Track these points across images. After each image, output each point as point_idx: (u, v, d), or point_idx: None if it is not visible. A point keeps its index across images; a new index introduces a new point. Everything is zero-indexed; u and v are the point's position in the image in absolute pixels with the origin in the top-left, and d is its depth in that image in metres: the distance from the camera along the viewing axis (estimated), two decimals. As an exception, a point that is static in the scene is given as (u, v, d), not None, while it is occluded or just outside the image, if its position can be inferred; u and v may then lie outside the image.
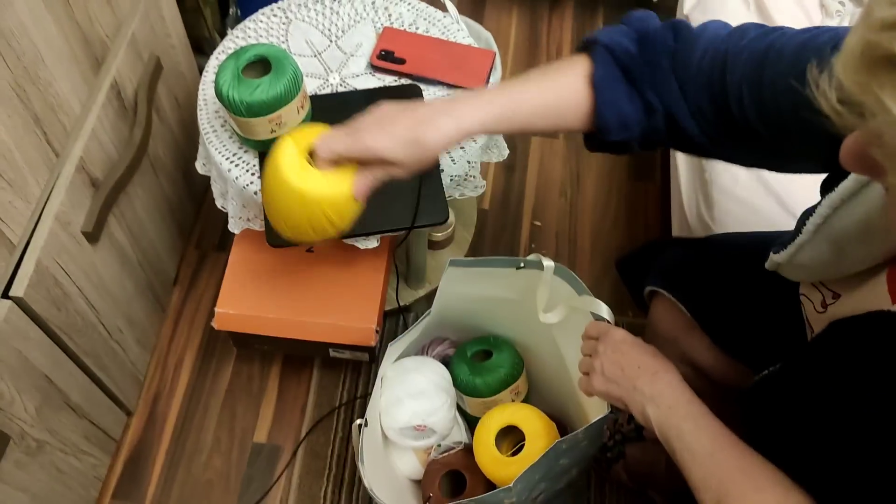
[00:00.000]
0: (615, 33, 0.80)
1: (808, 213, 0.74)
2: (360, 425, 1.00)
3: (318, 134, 0.82)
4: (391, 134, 0.79)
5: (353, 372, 1.47)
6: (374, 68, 1.21)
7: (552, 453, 0.93)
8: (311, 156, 0.82)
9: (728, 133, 0.76)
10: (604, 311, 0.98)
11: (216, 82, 1.02)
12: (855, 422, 0.65)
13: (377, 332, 1.21)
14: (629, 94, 0.79)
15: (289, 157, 0.80)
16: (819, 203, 0.72)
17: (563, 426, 1.19)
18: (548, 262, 1.06)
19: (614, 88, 0.79)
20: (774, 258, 0.80)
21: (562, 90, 0.80)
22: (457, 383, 1.22)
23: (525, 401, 1.26)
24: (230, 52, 1.06)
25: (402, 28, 1.26)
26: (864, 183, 0.66)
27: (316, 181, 0.80)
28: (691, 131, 0.77)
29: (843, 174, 0.68)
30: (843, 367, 0.68)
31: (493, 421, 1.12)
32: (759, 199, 1.22)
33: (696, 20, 1.43)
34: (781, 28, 0.73)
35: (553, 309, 1.10)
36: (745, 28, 0.75)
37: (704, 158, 0.82)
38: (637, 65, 0.78)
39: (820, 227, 0.72)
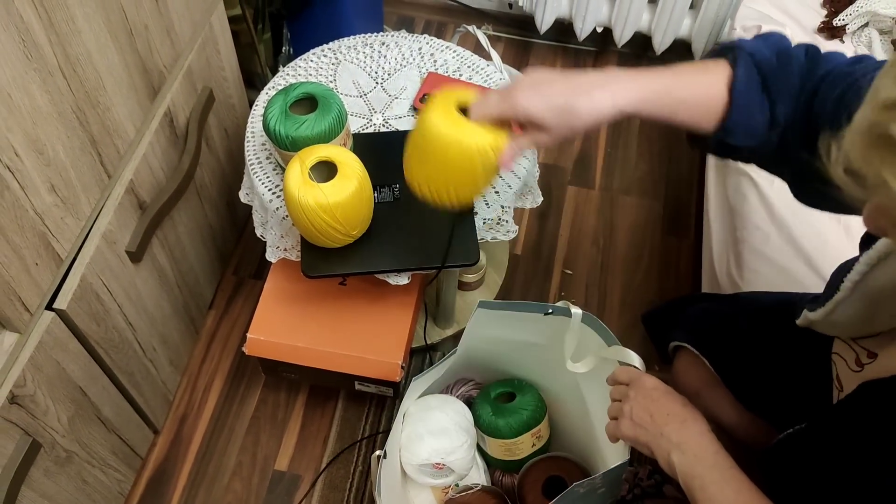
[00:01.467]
0: (756, 44, 0.79)
1: (844, 270, 0.74)
2: (379, 457, 1.02)
3: (468, 94, 0.84)
4: (546, 97, 0.78)
5: (377, 407, 1.48)
6: (417, 111, 1.25)
7: (569, 496, 0.94)
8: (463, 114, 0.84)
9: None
10: (635, 360, 0.97)
11: (264, 116, 1.07)
12: (880, 488, 0.64)
13: (403, 367, 1.23)
14: (761, 104, 0.77)
15: (444, 109, 0.82)
16: (856, 259, 0.72)
17: (584, 474, 1.19)
18: (576, 310, 1.07)
19: (751, 95, 0.77)
20: (809, 316, 0.80)
21: (706, 87, 0.79)
22: (479, 423, 1.23)
23: (546, 446, 1.26)
24: (280, 88, 1.11)
25: (446, 74, 1.29)
26: None
27: (472, 130, 0.81)
28: (796, 157, 0.76)
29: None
30: (872, 430, 0.68)
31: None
32: (788, 260, 1.22)
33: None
34: None
35: (582, 359, 1.11)
36: (859, 59, 0.74)
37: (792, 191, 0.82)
38: (776, 76, 0.76)
39: (857, 283, 0.72)
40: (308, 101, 1.09)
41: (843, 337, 0.80)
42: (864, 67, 0.72)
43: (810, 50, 0.77)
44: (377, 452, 1.02)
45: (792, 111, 0.75)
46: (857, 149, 0.46)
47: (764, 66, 0.76)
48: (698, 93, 0.79)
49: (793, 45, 0.78)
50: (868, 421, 0.69)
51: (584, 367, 1.09)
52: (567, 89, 0.78)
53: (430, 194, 0.88)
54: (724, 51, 0.81)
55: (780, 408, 0.93)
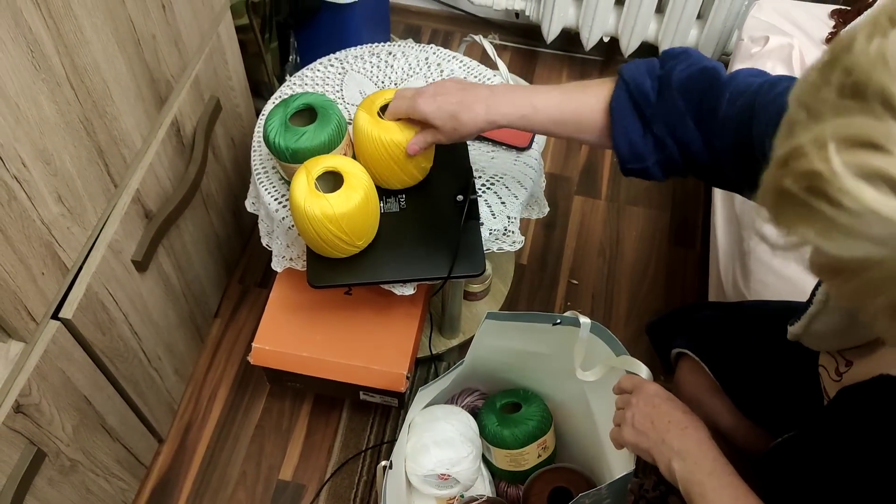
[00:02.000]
0: (640, 69, 0.87)
1: (818, 284, 0.76)
2: (384, 467, 1.02)
3: (390, 96, 1.04)
4: (439, 105, 0.95)
5: (382, 417, 1.48)
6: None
7: None
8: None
9: (747, 171, 0.79)
10: (643, 371, 0.98)
11: (264, 128, 1.07)
12: (864, 488, 0.65)
13: (408, 378, 1.23)
14: (641, 129, 0.86)
15: (367, 111, 1.04)
16: None
17: (590, 486, 1.18)
18: (584, 320, 1.07)
19: (626, 120, 0.86)
20: (791, 329, 0.82)
21: (583, 107, 0.90)
22: (484, 433, 1.22)
23: (552, 457, 1.26)
24: (286, 97, 1.11)
25: (452, 84, 1.30)
26: None
27: (385, 127, 1.02)
28: (704, 161, 0.83)
29: None
30: (853, 434, 0.69)
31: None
32: (795, 271, 1.21)
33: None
34: None
35: (592, 367, 1.10)
36: (776, 80, 0.77)
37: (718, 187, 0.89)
38: (649, 105, 0.84)
39: (828, 296, 0.73)
40: (308, 112, 1.10)
41: (829, 350, 0.81)
42: (766, 88, 0.76)
43: (707, 71, 0.83)
44: (383, 463, 1.02)
45: (685, 131, 0.82)
46: (767, 206, 0.48)
47: (637, 96, 0.85)
48: (577, 111, 0.90)
49: (690, 69, 0.84)
50: (850, 424, 0.71)
51: (594, 376, 1.09)
52: (457, 100, 0.94)
53: (374, 179, 1.06)
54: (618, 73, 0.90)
55: (776, 415, 0.94)
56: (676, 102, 0.83)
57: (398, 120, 1.02)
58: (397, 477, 1.14)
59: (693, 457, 0.79)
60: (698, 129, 0.81)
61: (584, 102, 0.90)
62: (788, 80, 0.76)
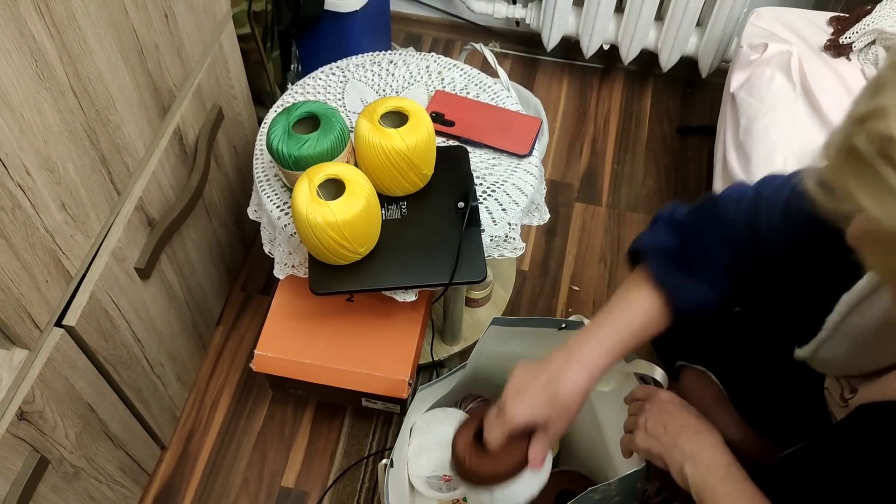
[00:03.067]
0: (654, 235, 0.87)
1: (822, 311, 0.76)
2: (385, 465, 1.02)
3: (390, 105, 1.08)
4: (531, 401, 0.84)
5: (384, 423, 1.48)
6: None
7: (584, 502, 0.94)
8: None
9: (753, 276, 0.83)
10: (658, 374, 0.98)
11: (267, 135, 1.08)
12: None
13: (410, 384, 1.23)
14: (694, 281, 0.84)
15: (369, 119, 1.06)
16: (838, 302, 0.74)
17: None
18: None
19: (677, 277, 0.84)
20: (798, 352, 0.81)
21: (644, 307, 0.85)
22: (488, 439, 1.22)
23: (557, 461, 1.26)
24: (288, 105, 1.12)
25: (453, 92, 1.30)
26: (879, 283, 0.67)
27: (385, 136, 1.04)
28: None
29: (859, 276, 0.70)
30: (868, 452, 0.69)
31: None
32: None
33: (742, 99, 1.46)
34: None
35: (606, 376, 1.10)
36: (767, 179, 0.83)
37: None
38: (687, 253, 0.84)
39: (839, 324, 0.73)
40: (311, 120, 1.10)
41: (836, 374, 0.81)
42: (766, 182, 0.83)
43: (706, 204, 0.87)
44: (384, 461, 1.03)
45: (732, 252, 0.83)
46: (828, 160, 0.48)
47: (672, 252, 0.84)
48: (644, 312, 0.85)
49: (688, 210, 0.87)
50: (865, 442, 0.70)
51: (608, 386, 1.09)
52: (545, 382, 0.84)
53: (376, 186, 1.06)
54: (634, 258, 0.89)
55: (782, 426, 0.94)
56: (704, 236, 0.84)
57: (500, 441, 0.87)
58: (400, 480, 1.14)
59: (706, 461, 0.79)
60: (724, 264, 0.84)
61: (640, 300, 0.86)
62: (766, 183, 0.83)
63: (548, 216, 1.28)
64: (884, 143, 0.43)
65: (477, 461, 0.87)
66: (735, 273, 0.83)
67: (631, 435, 0.91)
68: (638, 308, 0.85)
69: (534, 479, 0.90)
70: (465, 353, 1.49)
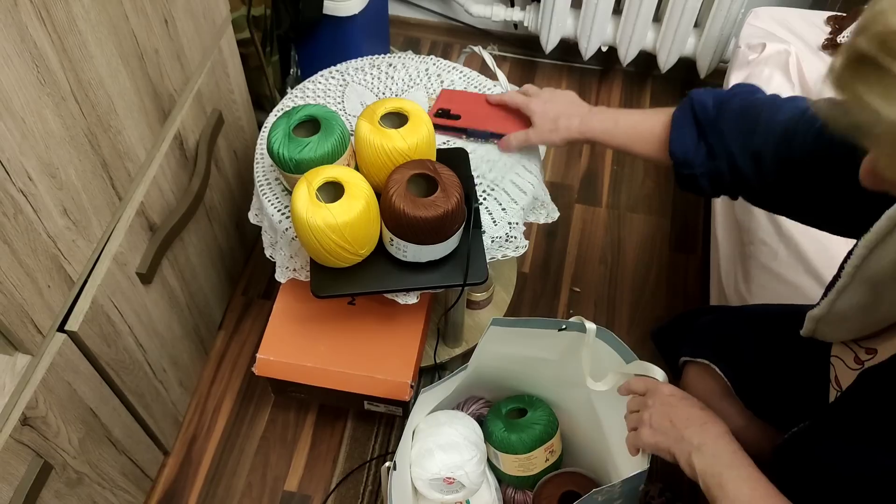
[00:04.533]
0: (707, 92, 0.97)
1: (846, 260, 0.75)
2: (388, 468, 1.02)
3: (389, 106, 1.09)
4: (546, 109, 1.13)
5: (387, 426, 1.48)
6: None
7: (588, 502, 0.94)
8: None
9: (781, 177, 0.88)
10: (657, 374, 0.99)
11: (268, 139, 1.08)
12: (885, 472, 0.65)
13: (412, 387, 1.23)
14: (696, 136, 0.96)
15: (369, 120, 1.07)
16: (855, 246, 0.73)
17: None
18: (590, 325, 1.08)
19: (684, 128, 0.97)
20: (812, 313, 0.82)
21: (655, 124, 1.01)
22: (492, 440, 1.23)
23: (559, 462, 1.26)
24: (288, 109, 1.12)
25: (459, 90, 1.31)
26: None
27: (386, 138, 1.06)
28: (749, 175, 0.91)
29: (876, 217, 0.70)
30: (874, 415, 0.70)
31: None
32: (797, 276, 1.22)
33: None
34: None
35: (600, 374, 1.11)
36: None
37: (760, 208, 1.01)
38: (707, 117, 0.94)
39: (858, 268, 0.73)
40: (311, 124, 1.10)
41: (844, 339, 0.82)
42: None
43: (762, 99, 0.94)
44: (387, 464, 1.03)
45: (734, 143, 0.92)
46: (833, 75, 0.50)
47: (698, 109, 0.95)
48: (651, 126, 1.02)
49: (754, 96, 0.95)
50: (870, 406, 0.71)
51: (606, 386, 1.09)
52: (562, 110, 1.11)
53: (376, 188, 1.08)
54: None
55: (785, 411, 0.95)
56: (730, 117, 0.92)
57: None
58: (403, 482, 1.14)
59: (712, 450, 0.81)
60: (746, 142, 0.90)
61: (657, 119, 1.01)
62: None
63: (557, 214, 1.26)
64: (886, 37, 0.44)
65: (411, 206, 0.99)
66: (758, 158, 0.90)
67: (636, 432, 0.91)
68: (654, 125, 1.01)
69: (444, 247, 1.06)
70: (466, 356, 1.49)
